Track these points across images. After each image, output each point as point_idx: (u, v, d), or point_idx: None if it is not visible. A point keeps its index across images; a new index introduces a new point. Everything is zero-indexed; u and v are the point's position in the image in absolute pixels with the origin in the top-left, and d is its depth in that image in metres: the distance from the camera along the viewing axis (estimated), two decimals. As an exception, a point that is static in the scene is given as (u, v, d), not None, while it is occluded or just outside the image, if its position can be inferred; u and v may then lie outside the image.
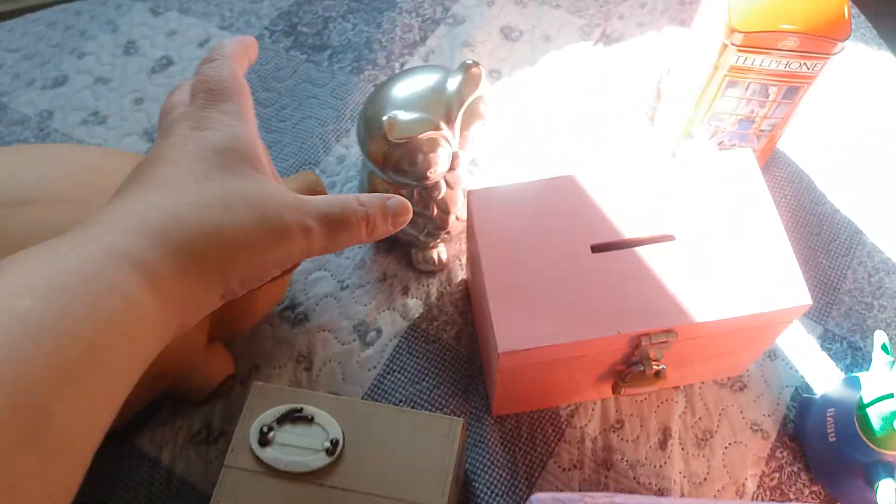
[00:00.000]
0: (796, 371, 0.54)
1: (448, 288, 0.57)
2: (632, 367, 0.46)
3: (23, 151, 0.44)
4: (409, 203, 0.33)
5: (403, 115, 0.47)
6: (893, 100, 0.67)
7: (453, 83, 0.48)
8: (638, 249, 0.45)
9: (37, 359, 0.20)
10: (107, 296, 0.22)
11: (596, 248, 0.45)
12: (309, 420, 0.43)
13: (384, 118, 0.46)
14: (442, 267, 0.57)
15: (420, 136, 0.47)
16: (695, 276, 0.44)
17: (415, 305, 0.56)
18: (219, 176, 0.27)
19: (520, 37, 0.69)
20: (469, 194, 0.47)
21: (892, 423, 0.43)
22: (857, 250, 0.59)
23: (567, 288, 0.43)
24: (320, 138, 0.64)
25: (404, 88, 0.49)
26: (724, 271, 0.44)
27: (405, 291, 0.57)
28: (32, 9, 0.76)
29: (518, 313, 0.43)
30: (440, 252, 0.57)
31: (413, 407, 0.52)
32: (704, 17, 0.54)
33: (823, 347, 0.55)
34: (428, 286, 0.57)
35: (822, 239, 0.60)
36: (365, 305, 0.56)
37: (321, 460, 0.41)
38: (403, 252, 0.58)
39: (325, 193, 0.50)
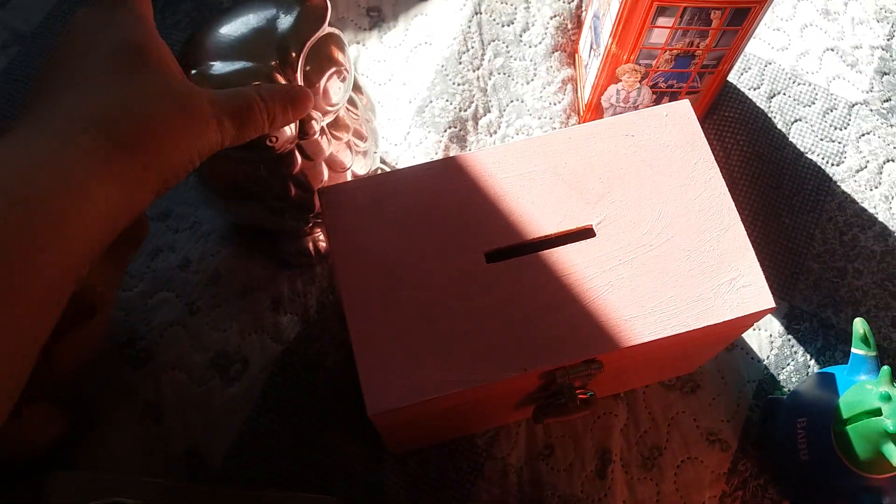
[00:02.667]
0: (759, 362, 0.45)
1: (330, 297, 0.46)
2: (552, 399, 0.36)
3: None
4: (307, 91, 0.34)
5: (220, 67, 0.34)
6: (860, 2, 0.56)
7: (287, 20, 0.35)
8: (545, 253, 0.34)
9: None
10: (60, 177, 0.25)
11: (491, 257, 0.34)
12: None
13: (192, 72, 0.34)
14: (320, 259, 0.46)
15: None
16: (621, 282, 0.33)
17: (290, 323, 0.45)
18: (134, 72, 0.28)
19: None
20: (319, 194, 0.35)
21: (874, 446, 0.34)
22: (826, 203, 0.49)
23: (454, 315, 0.32)
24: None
25: (223, 33, 0.36)
26: (660, 272, 0.33)
27: (276, 307, 0.45)
28: None
29: (391, 359, 0.32)
30: (316, 240, 0.45)
31: (295, 460, 0.42)
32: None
33: (790, 329, 0.46)
34: (305, 297, 0.45)
35: (782, 193, 0.49)
36: (223, 331, 0.44)
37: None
38: (268, 254, 0.46)
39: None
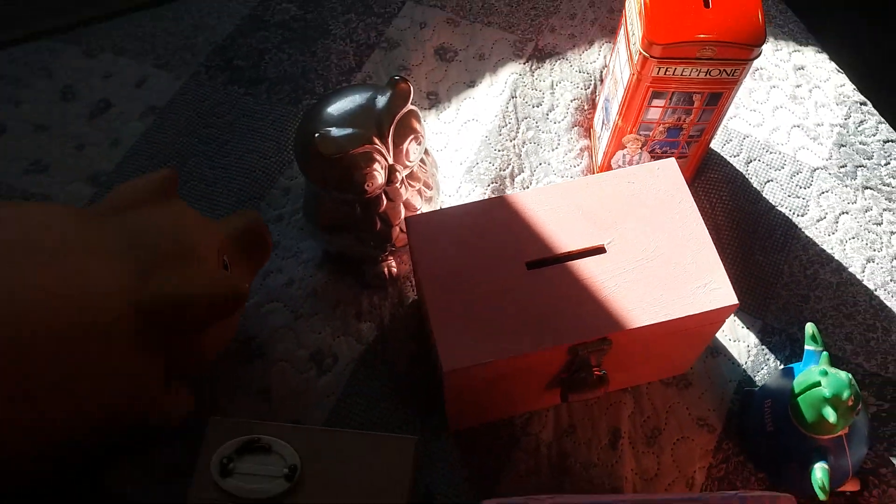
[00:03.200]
0: (738, 366, 0.57)
1: (400, 310, 0.58)
2: (575, 375, 0.48)
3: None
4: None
5: (335, 132, 0.48)
6: (822, 89, 0.70)
7: (383, 100, 0.49)
8: (570, 263, 0.46)
9: None
10: None
11: (530, 265, 0.47)
12: (267, 449, 0.44)
13: (316, 135, 0.47)
14: (392, 282, 0.59)
15: (354, 151, 0.48)
16: (625, 284, 0.46)
17: (368, 329, 0.57)
18: None
19: (454, 57, 0.71)
20: (407, 221, 0.49)
21: (820, 412, 0.45)
22: (792, 244, 0.62)
23: (505, 304, 0.45)
24: (263, 171, 0.64)
25: (335, 107, 0.50)
26: (653, 278, 0.46)
27: (358, 317, 0.58)
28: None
29: (460, 333, 0.44)
30: (390, 266, 0.58)
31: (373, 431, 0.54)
32: (623, 29, 0.56)
33: (763, 341, 0.58)
34: (381, 309, 0.58)
35: (757, 236, 0.62)
36: (319, 333, 0.57)
37: (280, 486, 0.42)
38: (353, 278, 0.59)
39: (265, 230, 0.52)
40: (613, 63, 0.60)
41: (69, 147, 0.67)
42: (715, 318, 0.47)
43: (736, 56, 0.51)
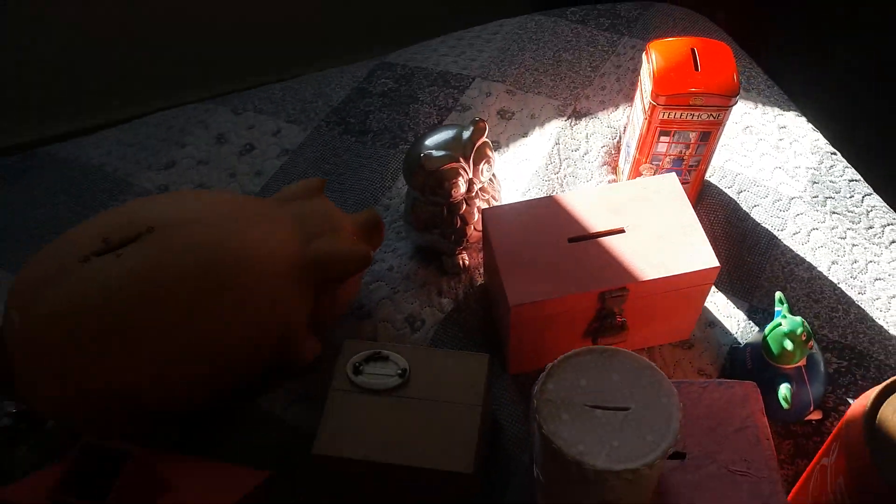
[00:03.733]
0: (730, 334, 0.74)
1: (470, 291, 0.78)
2: (603, 322, 0.66)
3: (182, 194, 0.66)
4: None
5: (435, 153, 0.69)
6: (800, 142, 0.89)
7: (467, 133, 0.71)
8: (599, 239, 0.66)
9: None
10: None
11: (571, 240, 0.66)
12: (385, 358, 0.63)
13: (422, 154, 0.69)
14: (465, 270, 0.78)
15: (446, 167, 0.69)
16: (637, 252, 0.65)
17: (447, 303, 0.77)
18: None
19: (512, 116, 0.93)
20: (483, 211, 0.69)
21: (782, 344, 0.63)
22: (773, 251, 0.80)
23: (553, 265, 0.64)
24: (370, 194, 0.86)
25: (434, 138, 0.72)
26: (657, 249, 0.65)
27: (440, 293, 0.77)
28: (140, 115, 1.01)
29: (521, 281, 0.63)
30: (464, 258, 0.78)
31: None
32: (639, 90, 0.76)
33: (749, 317, 0.75)
34: (456, 289, 0.78)
35: (746, 244, 0.81)
36: (411, 304, 0.76)
37: (395, 382, 0.61)
38: (436, 267, 0.79)
39: (380, 221, 0.72)
40: (632, 115, 0.81)
41: (224, 175, 0.89)
42: (702, 279, 0.65)
43: (718, 104, 0.71)
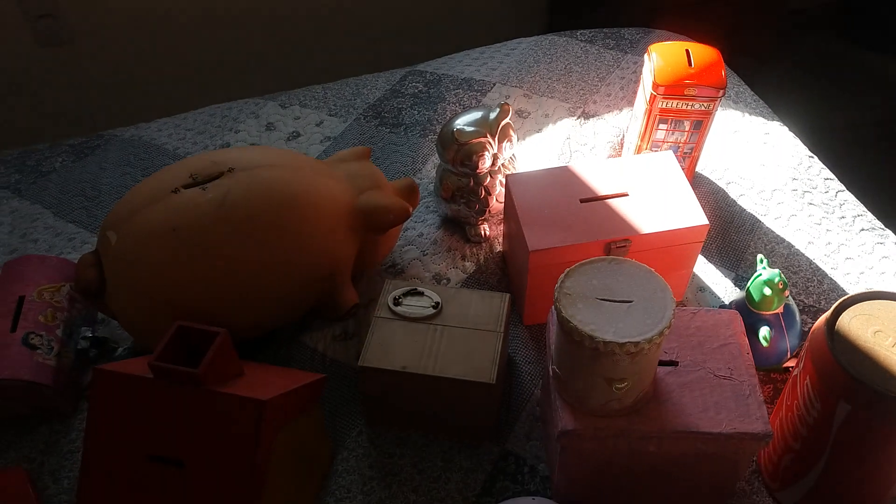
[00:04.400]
0: (719, 298, 0.84)
1: (490, 256, 0.88)
2: (609, 272, 0.77)
3: (257, 147, 0.77)
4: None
5: (466, 128, 0.81)
6: (782, 147, 1.01)
7: (493, 114, 0.83)
8: (607, 201, 0.77)
9: None
10: None
11: (583, 201, 0.77)
12: (420, 293, 0.73)
13: (454, 128, 0.80)
14: (487, 239, 0.89)
15: (474, 140, 0.81)
16: (638, 211, 0.76)
17: (469, 265, 0.87)
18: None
19: (528, 116, 1.05)
20: (507, 175, 0.80)
21: (761, 290, 0.73)
22: (757, 231, 0.91)
23: (567, 219, 0.75)
24: (403, 175, 0.97)
25: (465, 117, 0.83)
26: (656, 209, 0.76)
27: (463, 258, 0.88)
28: (196, 107, 1.13)
29: (538, 231, 0.74)
30: (485, 228, 0.89)
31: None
32: (641, 87, 0.88)
33: (736, 284, 0.86)
34: (477, 255, 0.88)
35: (733, 225, 0.92)
36: (438, 265, 0.87)
37: (429, 311, 0.71)
38: (460, 235, 0.90)
39: (415, 186, 0.83)
40: (634, 111, 0.93)
41: (273, 157, 1.00)
42: (694, 236, 0.76)
43: (708, 94, 0.83)
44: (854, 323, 0.58)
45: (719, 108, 1.05)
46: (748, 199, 0.95)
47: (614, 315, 0.54)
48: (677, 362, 0.62)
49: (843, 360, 0.55)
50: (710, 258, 0.88)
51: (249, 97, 1.16)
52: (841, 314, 0.59)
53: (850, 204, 0.95)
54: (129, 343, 0.80)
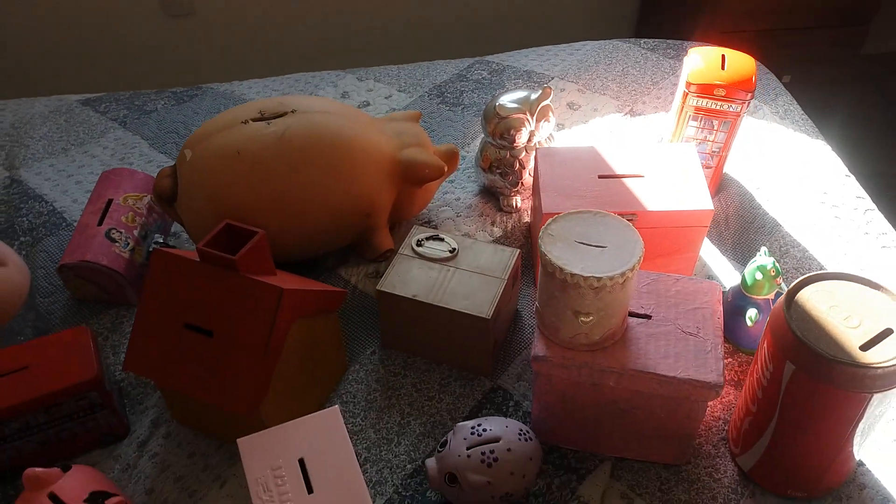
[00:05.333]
0: (725, 288, 0.90)
1: (518, 225, 0.97)
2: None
3: (319, 97, 0.89)
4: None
5: (508, 104, 0.90)
6: (813, 156, 1.05)
7: (535, 95, 0.92)
8: (623, 179, 0.84)
9: None
10: None
11: (601, 177, 0.85)
12: (441, 239, 0.82)
13: (497, 103, 0.90)
14: (517, 210, 0.97)
15: (514, 116, 0.90)
16: (649, 190, 0.83)
17: (498, 230, 0.96)
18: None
19: (578, 108, 1.13)
20: (537, 149, 0.89)
21: (753, 274, 0.78)
22: (775, 234, 0.96)
23: (583, 191, 0.83)
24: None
25: (508, 96, 0.93)
26: (665, 191, 0.83)
27: (493, 223, 0.97)
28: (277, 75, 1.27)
29: (556, 198, 0.82)
30: (517, 200, 0.97)
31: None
32: (679, 88, 0.95)
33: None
34: (506, 222, 0.97)
35: (753, 225, 0.96)
36: (469, 227, 0.96)
37: (446, 255, 0.80)
38: (493, 204, 0.99)
39: (457, 151, 0.93)
40: (672, 106, 0.99)
41: (342, 120, 1.13)
42: (699, 220, 0.82)
43: (735, 97, 0.89)
44: (813, 297, 0.63)
45: (763, 120, 1.10)
46: (773, 203, 0.99)
47: (587, 256, 0.62)
48: (650, 316, 0.69)
49: (793, 325, 0.61)
50: (724, 251, 0.93)
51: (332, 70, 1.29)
52: (803, 288, 0.64)
53: (877, 223, 0.98)
54: (194, 255, 0.93)
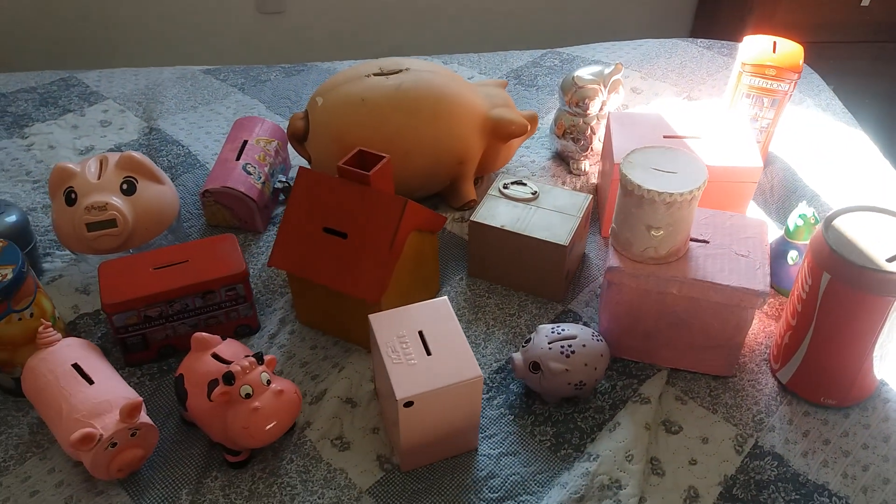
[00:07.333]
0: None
1: (585, 187, 1.10)
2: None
3: (430, 62, 1.04)
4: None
5: (584, 75, 1.05)
6: (851, 142, 1.17)
7: (607, 70, 1.06)
8: (684, 139, 0.98)
9: None
10: None
11: (665, 137, 0.98)
12: (524, 184, 0.97)
13: (575, 75, 1.04)
14: (585, 174, 1.11)
15: (589, 86, 1.04)
16: (707, 150, 0.96)
17: (567, 189, 1.10)
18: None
19: (641, 92, 1.27)
20: (610, 113, 1.03)
21: (795, 223, 0.91)
22: (814, 203, 1.08)
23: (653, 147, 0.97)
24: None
25: (584, 69, 1.07)
26: (719, 150, 0.96)
27: (563, 184, 1.11)
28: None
29: (626, 153, 0.96)
30: (586, 164, 1.12)
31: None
32: (733, 72, 1.08)
33: (786, 234, 1.03)
34: (575, 183, 1.11)
35: (796, 194, 1.09)
36: (542, 185, 1.10)
37: (528, 196, 0.95)
38: (565, 168, 1.13)
39: (536, 118, 1.08)
40: (727, 88, 1.13)
41: (430, 95, 1.28)
42: (747, 176, 0.95)
43: (783, 76, 1.03)
44: (850, 222, 0.76)
45: (808, 109, 1.23)
46: (814, 178, 1.12)
47: (661, 178, 0.76)
48: (708, 241, 0.82)
49: (829, 240, 0.74)
50: (769, 214, 1.06)
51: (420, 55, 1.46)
52: (841, 215, 0.77)
53: (908, 198, 1.10)
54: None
